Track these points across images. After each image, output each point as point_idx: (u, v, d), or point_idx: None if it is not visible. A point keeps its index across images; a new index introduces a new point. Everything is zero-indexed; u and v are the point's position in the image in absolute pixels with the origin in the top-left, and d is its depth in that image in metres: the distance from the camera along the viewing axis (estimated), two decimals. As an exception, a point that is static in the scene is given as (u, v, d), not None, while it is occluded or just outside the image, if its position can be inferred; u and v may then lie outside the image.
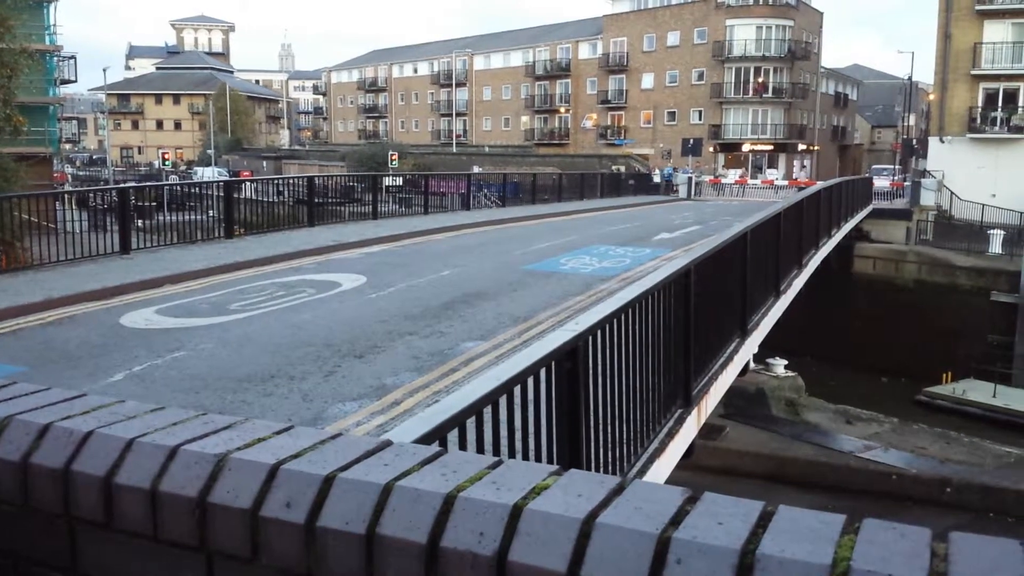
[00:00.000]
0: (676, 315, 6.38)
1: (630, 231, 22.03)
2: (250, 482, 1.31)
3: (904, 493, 13.89)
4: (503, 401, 3.46)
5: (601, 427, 4.84)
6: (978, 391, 21.31)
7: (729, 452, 14.97)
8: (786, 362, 18.82)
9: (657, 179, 44.64)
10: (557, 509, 1.14)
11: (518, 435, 3.74)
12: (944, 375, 22.73)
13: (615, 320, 5.00)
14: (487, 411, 3.33)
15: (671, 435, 6.32)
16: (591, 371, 4.56)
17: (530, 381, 3.76)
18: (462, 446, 3.04)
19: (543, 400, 3.97)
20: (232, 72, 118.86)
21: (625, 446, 5.37)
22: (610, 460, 5.02)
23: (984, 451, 15.69)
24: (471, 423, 3.19)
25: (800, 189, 24.36)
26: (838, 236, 21.66)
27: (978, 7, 38.82)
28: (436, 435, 2.78)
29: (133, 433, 1.47)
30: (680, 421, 6.59)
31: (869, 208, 30.30)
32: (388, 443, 1.41)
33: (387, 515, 1.21)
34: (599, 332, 4.69)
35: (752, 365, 17.63)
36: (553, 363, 4.06)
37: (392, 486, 1.24)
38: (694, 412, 6.95)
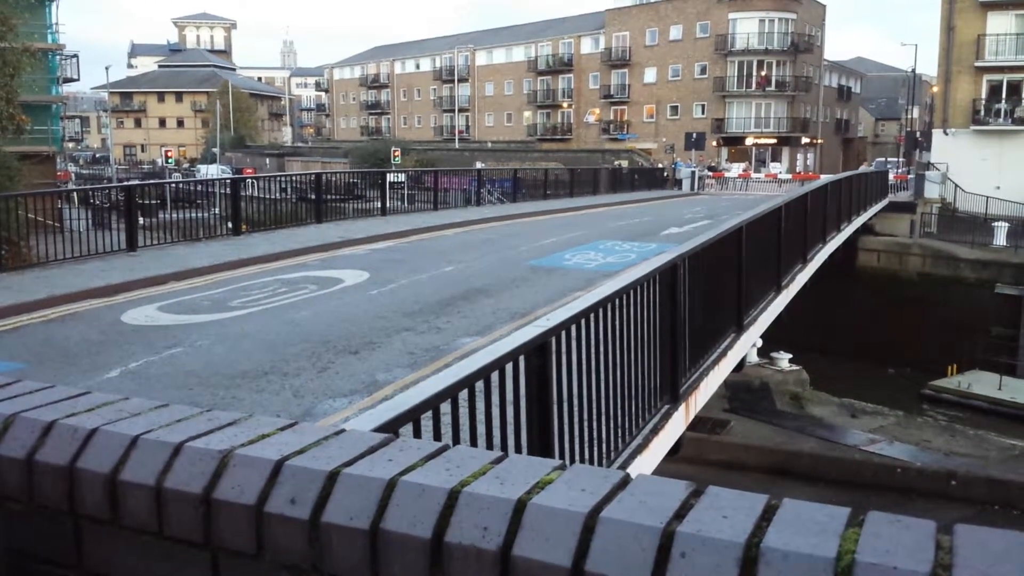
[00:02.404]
0: (663, 310, 6.31)
1: (639, 226, 21.96)
2: (254, 478, 1.32)
3: (909, 486, 13.88)
4: (464, 396, 3.43)
5: (576, 423, 4.80)
6: (983, 383, 21.28)
7: (734, 446, 14.97)
8: (790, 356, 18.82)
9: (679, 174, 43.72)
10: (561, 503, 1.14)
11: (482, 430, 3.70)
12: (949, 368, 22.70)
13: (592, 315, 4.93)
14: (446, 406, 3.28)
15: (656, 431, 6.25)
16: (564, 367, 4.51)
17: (495, 376, 3.71)
18: None
19: (510, 395, 3.92)
20: (234, 69, 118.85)
21: (604, 443, 5.31)
22: (586, 457, 4.96)
23: (989, 444, 15.67)
24: (427, 419, 3.15)
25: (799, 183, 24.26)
26: (848, 230, 21.54)
27: (981, -1, 38.73)
28: (386, 431, 2.75)
29: (137, 430, 1.47)
30: (666, 417, 6.52)
31: (885, 202, 30.18)
32: (392, 438, 1.41)
33: (391, 510, 1.21)
34: (573, 327, 4.64)
35: (755, 359, 17.64)
36: (522, 358, 4.02)
37: (396, 481, 1.24)
38: (682, 408, 6.88)
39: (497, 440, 3.82)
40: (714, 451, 14.66)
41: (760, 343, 16.44)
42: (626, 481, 1.20)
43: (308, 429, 1.46)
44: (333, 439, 1.41)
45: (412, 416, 3.01)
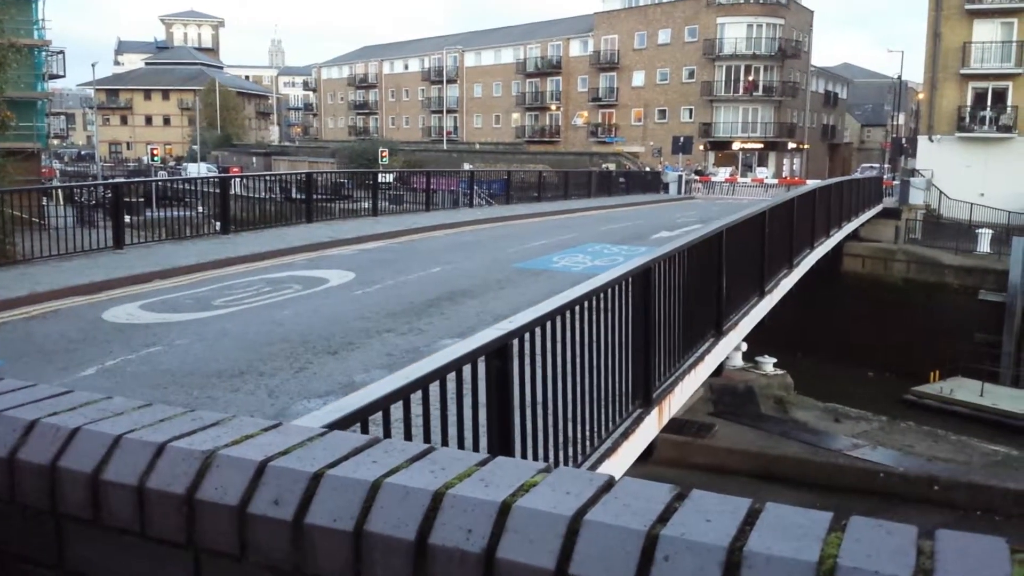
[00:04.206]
0: (636, 313, 6.26)
1: (629, 229, 21.97)
2: (238, 479, 1.31)
3: (892, 491, 13.94)
4: (417, 398, 3.38)
5: (541, 426, 4.75)
6: (965, 390, 21.40)
7: (718, 450, 15.00)
8: (775, 360, 18.88)
9: (666, 177, 43.69)
10: (546, 506, 1.14)
11: (438, 438, 3.64)
12: (932, 374, 22.82)
13: (558, 317, 4.89)
14: (397, 408, 3.22)
15: (626, 435, 6.20)
16: (528, 369, 4.46)
17: (451, 378, 3.66)
18: None
19: (467, 398, 3.86)
20: (222, 68, 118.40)
21: (571, 446, 5.25)
22: (550, 461, 4.90)
23: (971, 449, 15.77)
24: (378, 420, 3.09)
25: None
26: (839, 236, 21.59)
27: (968, 6, 38.97)
28: None
29: (120, 430, 1.46)
30: (638, 421, 6.46)
31: (879, 207, 30.30)
32: (377, 440, 1.40)
33: (375, 512, 1.20)
34: (537, 329, 4.59)
35: (740, 363, 17.71)
36: (482, 360, 3.97)
37: (380, 483, 1.23)
38: (654, 412, 6.82)
39: (454, 444, 3.76)
40: (699, 455, 14.70)
41: (745, 347, 16.50)
42: (610, 484, 1.20)
43: (292, 430, 1.46)
44: (317, 440, 1.41)
45: (360, 417, 2.94)
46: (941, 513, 13.12)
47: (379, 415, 3.18)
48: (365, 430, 2.96)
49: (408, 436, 3.26)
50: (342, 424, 2.78)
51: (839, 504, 12.74)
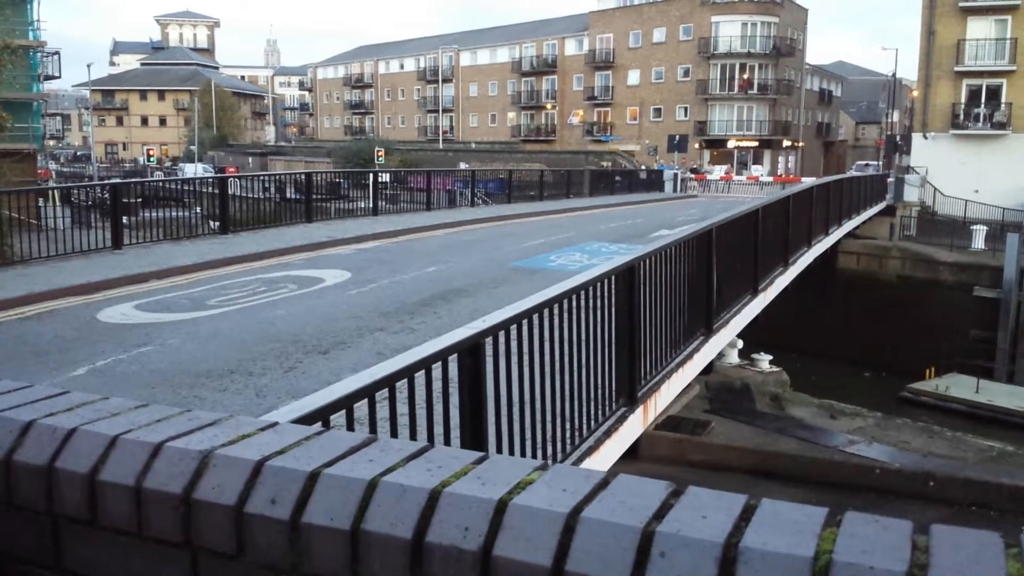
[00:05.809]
0: (620, 311, 6.22)
1: (629, 228, 21.98)
2: (235, 478, 1.31)
3: (887, 487, 13.94)
4: (383, 396, 3.34)
5: (518, 426, 4.71)
6: (961, 386, 21.43)
7: (714, 447, 14.99)
8: (771, 357, 18.88)
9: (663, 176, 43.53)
10: (542, 504, 1.14)
11: (405, 431, 3.60)
12: (927, 371, 22.85)
13: (536, 315, 4.84)
14: (362, 407, 3.17)
15: (609, 434, 6.16)
16: (504, 368, 4.42)
17: (419, 377, 3.62)
18: None
19: (437, 397, 3.82)
20: (217, 68, 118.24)
21: (551, 444, 5.22)
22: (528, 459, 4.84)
23: (967, 445, 15.77)
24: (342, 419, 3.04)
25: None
26: (838, 234, 21.58)
27: (961, 4, 39.03)
28: None
29: (117, 430, 1.46)
30: (622, 420, 6.42)
31: (882, 205, 30.29)
32: (373, 439, 1.41)
33: (372, 511, 1.20)
34: (513, 328, 4.54)
35: (736, 360, 17.73)
36: (453, 359, 3.93)
37: (377, 482, 1.23)
38: (639, 411, 6.78)
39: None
40: (695, 452, 14.69)
41: (740, 344, 16.51)
42: (607, 481, 1.20)
43: (289, 429, 1.46)
44: (314, 439, 1.41)
45: (320, 417, 2.88)
46: (937, 509, 13.13)
47: (343, 415, 3.12)
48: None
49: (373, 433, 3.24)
50: (304, 422, 2.71)
51: (835, 500, 12.74)
